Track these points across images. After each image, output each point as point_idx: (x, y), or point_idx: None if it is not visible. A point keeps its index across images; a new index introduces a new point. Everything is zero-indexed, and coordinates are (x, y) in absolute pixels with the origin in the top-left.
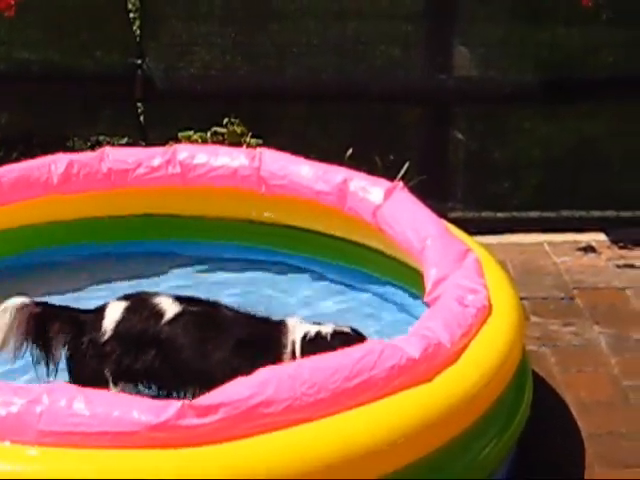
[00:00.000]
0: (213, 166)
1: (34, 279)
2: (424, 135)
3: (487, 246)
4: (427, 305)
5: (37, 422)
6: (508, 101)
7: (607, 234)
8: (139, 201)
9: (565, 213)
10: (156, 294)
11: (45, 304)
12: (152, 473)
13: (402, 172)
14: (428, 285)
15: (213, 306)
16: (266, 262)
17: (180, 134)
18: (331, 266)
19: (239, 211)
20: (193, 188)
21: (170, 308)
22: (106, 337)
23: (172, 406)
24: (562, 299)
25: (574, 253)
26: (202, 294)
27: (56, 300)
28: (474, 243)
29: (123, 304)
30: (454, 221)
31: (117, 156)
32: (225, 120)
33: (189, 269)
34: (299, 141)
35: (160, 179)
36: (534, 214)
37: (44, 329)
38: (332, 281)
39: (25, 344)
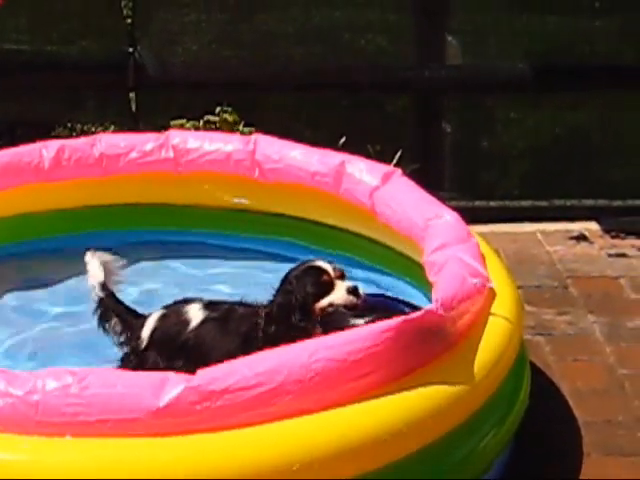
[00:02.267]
0: (207, 150)
1: (24, 267)
2: (415, 124)
3: (480, 235)
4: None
5: (34, 413)
6: (499, 90)
7: (599, 223)
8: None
9: (557, 202)
10: (188, 301)
11: (111, 292)
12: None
13: (395, 160)
14: (428, 249)
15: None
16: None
17: (172, 122)
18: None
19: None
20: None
21: (196, 316)
22: (143, 345)
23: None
24: (556, 288)
25: (567, 242)
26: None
27: (43, 290)
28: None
29: (159, 313)
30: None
31: (109, 141)
32: (217, 109)
33: (182, 258)
34: (290, 130)
35: (153, 164)
36: (526, 203)
37: (104, 317)
38: None
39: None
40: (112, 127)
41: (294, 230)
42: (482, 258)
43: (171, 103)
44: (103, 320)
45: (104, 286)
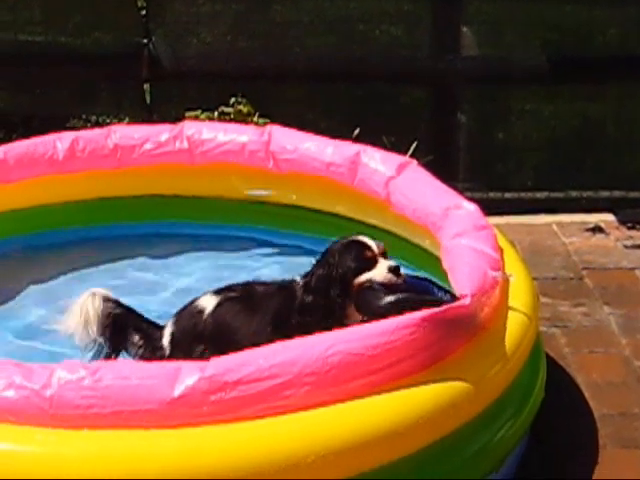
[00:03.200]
0: (221, 141)
1: (39, 260)
2: (430, 115)
3: (495, 226)
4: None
5: (49, 406)
6: (515, 81)
7: (615, 214)
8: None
9: (573, 194)
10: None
11: (126, 308)
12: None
13: (410, 152)
14: (447, 235)
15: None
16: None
17: (187, 114)
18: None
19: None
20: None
21: (209, 302)
22: (167, 352)
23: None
24: (572, 279)
25: (582, 234)
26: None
27: (59, 282)
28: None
29: (174, 317)
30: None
31: (124, 132)
32: (232, 100)
33: (196, 250)
34: (304, 121)
35: (167, 155)
36: (542, 195)
37: (123, 334)
38: None
39: (99, 336)
40: (127, 119)
41: (307, 221)
42: (500, 249)
43: (185, 94)
44: (119, 335)
45: (117, 302)
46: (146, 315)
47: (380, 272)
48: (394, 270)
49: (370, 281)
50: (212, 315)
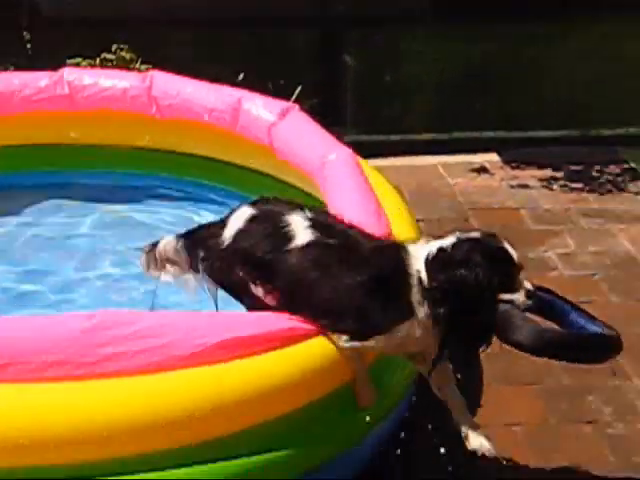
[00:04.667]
0: (103, 87)
1: None
2: (315, 59)
3: (381, 169)
4: None
5: None
6: (399, 23)
7: (499, 154)
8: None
9: (457, 134)
10: (287, 208)
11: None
12: None
13: (294, 96)
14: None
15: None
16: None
17: (68, 61)
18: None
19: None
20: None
21: (301, 234)
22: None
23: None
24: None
25: (467, 174)
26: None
27: None
28: (367, 167)
29: (247, 212)
30: (347, 144)
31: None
32: (114, 46)
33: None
34: (189, 67)
35: (47, 101)
36: (427, 136)
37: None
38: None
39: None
40: (11, 67)
41: (196, 168)
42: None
43: (67, 42)
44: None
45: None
46: None
47: (521, 297)
48: (531, 296)
49: (510, 303)
50: (299, 253)
